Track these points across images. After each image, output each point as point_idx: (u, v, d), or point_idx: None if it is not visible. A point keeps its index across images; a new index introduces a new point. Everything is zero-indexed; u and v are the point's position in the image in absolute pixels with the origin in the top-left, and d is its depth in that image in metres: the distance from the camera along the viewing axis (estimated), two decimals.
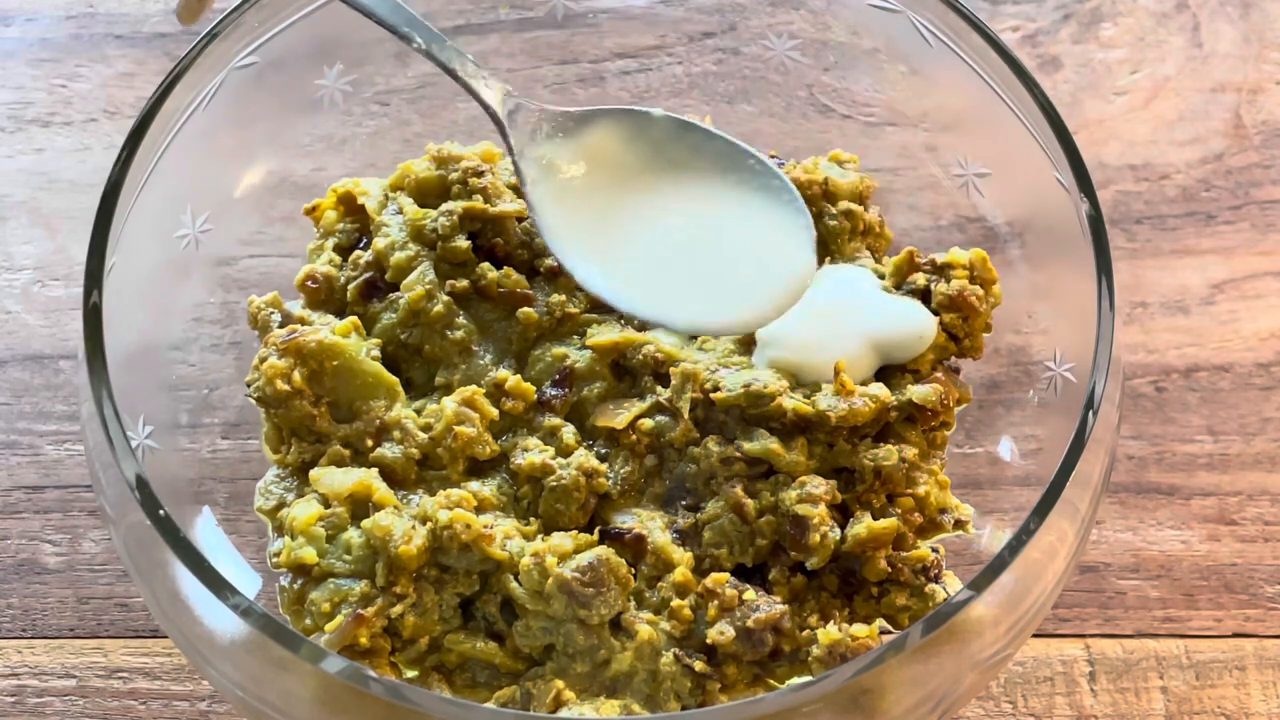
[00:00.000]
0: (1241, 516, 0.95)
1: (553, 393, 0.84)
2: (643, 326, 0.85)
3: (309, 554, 0.79)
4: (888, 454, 0.81)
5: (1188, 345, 1.00)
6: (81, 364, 0.75)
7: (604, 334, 0.85)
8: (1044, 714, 0.89)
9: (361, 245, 0.89)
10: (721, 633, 0.78)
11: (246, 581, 0.83)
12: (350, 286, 0.87)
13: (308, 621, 0.79)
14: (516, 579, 0.79)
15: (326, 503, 0.81)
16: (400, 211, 0.88)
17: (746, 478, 0.81)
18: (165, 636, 0.89)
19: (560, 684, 0.77)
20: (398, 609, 0.78)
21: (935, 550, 0.81)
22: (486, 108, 0.83)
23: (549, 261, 0.86)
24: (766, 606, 0.78)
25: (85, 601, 0.92)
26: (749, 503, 0.80)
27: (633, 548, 0.80)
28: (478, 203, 0.87)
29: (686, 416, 0.83)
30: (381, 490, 0.80)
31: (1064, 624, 0.92)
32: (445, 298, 0.85)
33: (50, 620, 0.92)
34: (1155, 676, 0.90)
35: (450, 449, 0.82)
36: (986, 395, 0.89)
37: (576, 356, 0.85)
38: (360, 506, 0.80)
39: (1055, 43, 1.12)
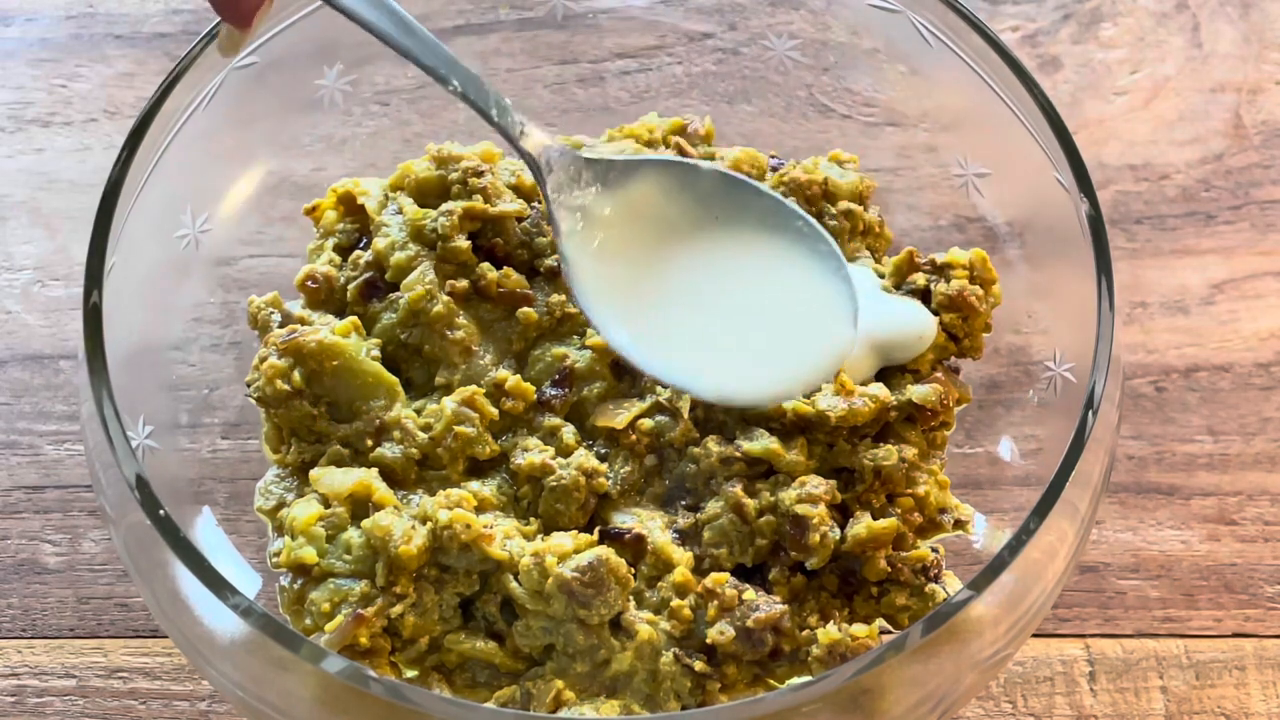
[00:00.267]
0: (1241, 516, 0.95)
1: (553, 393, 0.84)
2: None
3: (309, 554, 0.79)
4: (888, 454, 0.81)
5: (1188, 345, 1.01)
6: (81, 364, 0.75)
7: None
8: (1044, 714, 0.89)
9: (361, 245, 0.89)
10: (721, 633, 0.78)
11: (246, 581, 0.83)
12: (350, 286, 0.87)
13: (308, 621, 0.79)
14: (516, 579, 0.79)
15: (326, 503, 0.81)
16: (400, 211, 0.88)
17: (746, 478, 0.81)
18: (165, 636, 0.89)
19: (560, 684, 0.78)
20: (398, 609, 0.78)
21: (935, 550, 0.81)
22: (523, 154, 0.79)
23: (549, 261, 0.86)
24: (766, 606, 0.78)
25: (85, 601, 0.92)
26: (749, 503, 0.80)
27: (633, 548, 0.80)
28: (478, 203, 0.87)
29: (686, 416, 0.82)
30: (381, 490, 0.80)
31: (1064, 624, 0.92)
32: (445, 298, 0.85)
33: (50, 620, 0.92)
34: (1155, 676, 0.90)
35: (450, 449, 0.82)
36: (986, 395, 0.89)
37: (576, 356, 0.85)
38: (360, 506, 0.80)
39: (1055, 43, 1.12)
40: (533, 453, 0.82)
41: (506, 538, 0.79)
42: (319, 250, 0.89)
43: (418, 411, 0.83)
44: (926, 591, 0.80)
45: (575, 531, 0.80)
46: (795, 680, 0.79)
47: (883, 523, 0.80)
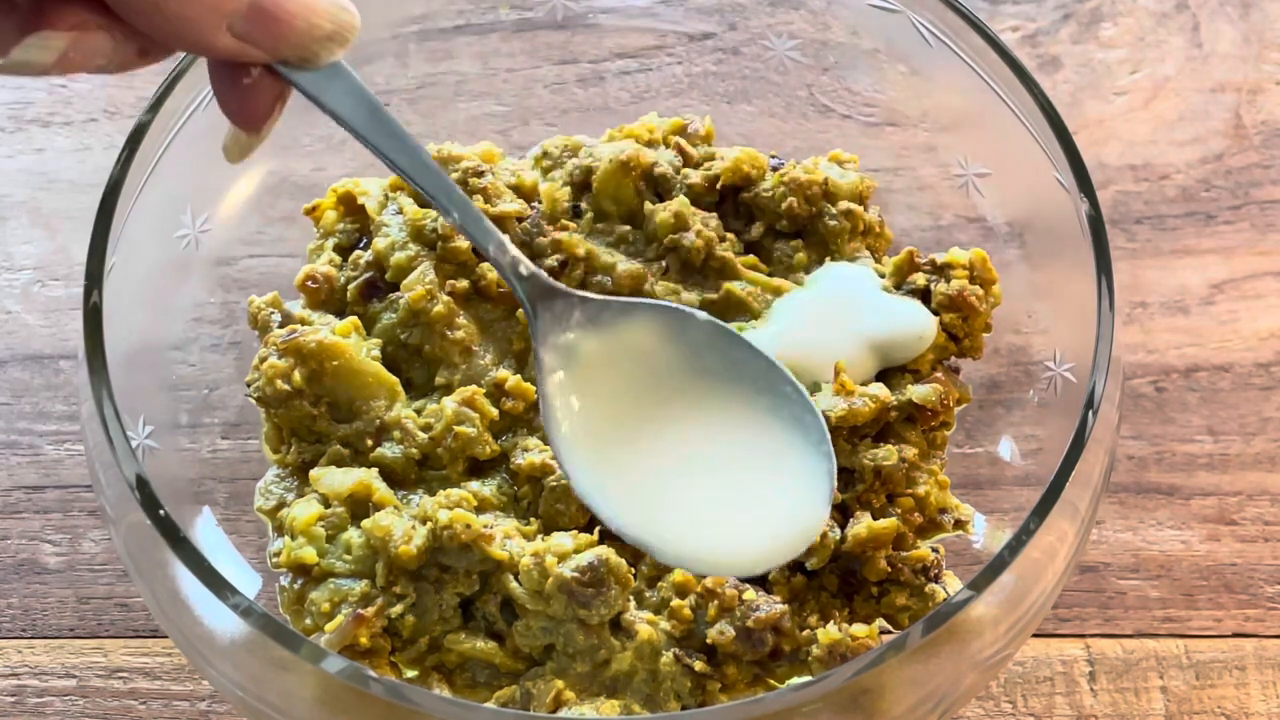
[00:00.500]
0: (1241, 516, 0.95)
1: None
2: None
3: (309, 554, 0.79)
4: (888, 454, 0.81)
5: (1188, 345, 1.01)
6: (81, 364, 0.75)
7: None
8: (1044, 714, 0.89)
9: (361, 245, 0.89)
10: (721, 633, 0.78)
11: (246, 581, 0.83)
12: (350, 286, 0.87)
13: (308, 621, 0.79)
14: (516, 579, 0.79)
15: (326, 503, 0.81)
16: (400, 211, 0.88)
17: None
18: (165, 636, 0.89)
19: (560, 684, 0.78)
20: (398, 609, 0.78)
21: (935, 550, 0.81)
22: (517, 290, 0.76)
23: (549, 262, 0.86)
24: (766, 606, 0.78)
25: (85, 601, 0.92)
26: None
27: (633, 548, 0.80)
28: (478, 203, 0.87)
29: None
30: (381, 490, 0.80)
31: (1064, 624, 0.92)
32: (445, 298, 0.85)
33: (50, 620, 0.92)
34: (1155, 676, 0.90)
35: (450, 449, 0.82)
36: (986, 395, 0.89)
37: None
38: (360, 506, 0.80)
39: (1055, 43, 1.12)
40: (533, 453, 0.82)
41: (506, 538, 0.79)
42: (319, 250, 0.89)
43: (418, 411, 0.83)
44: (926, 591, 0.80)
45: (575, 531, 0.80)
46: (795, 680, 0.79)
47: (883, 523, 0.80)
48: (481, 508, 0.81)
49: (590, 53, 1.00)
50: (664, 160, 0.89)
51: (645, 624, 0.78)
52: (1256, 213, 1.05)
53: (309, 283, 0.87)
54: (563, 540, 0.79)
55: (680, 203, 0.87)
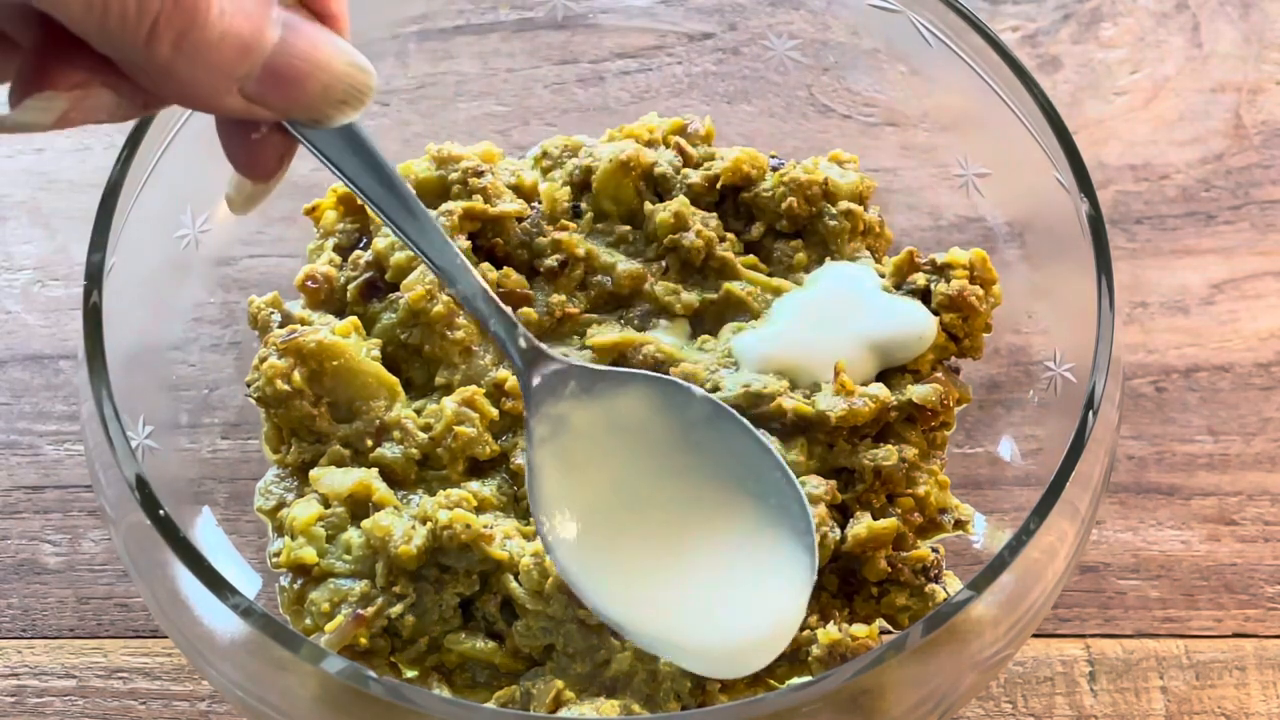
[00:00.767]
0: (1241, 516, 0.95)
1: None
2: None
3: (309, 554, 0.79)
4: (888, 454, 0.81)
5: (1188, 345, 1.00)
6: (81, 364, 0.75)
7: (604, 334, 0.85)
8: (1044, 714, 0.89)
9: (361, 245, 0.89)
10: None
11: (246, 581, 0.83)
12: (350, 286, 0.87)
13: (308, 621, 0.79)
14: (516, 579, 0.79)
15: (326, 503, 0.81)
16: None
17: None
18: (165, 636, 0.89)
19: (560, 684, 0.77)
20: (397, 609, 0.78)
21: (935, 550, 0.81)
22: (514, 362, 0.76)
23: (549, 262, 0.86)
24: None
25: (85, 601, 0.92)
26: None
27: None
28: (478, 203, 0.87)
29: None
30: (381, 490, 0.80)
31: (1064, 624, 0.92)
32: (445, 298, 0.85)
33: (50, 620, 0.92)
34: (1155, 676, 0.90)
35: (450, 449, 0.82)
36: (986, 395, 0.89)
37: (576, 357, 0.85)
38: (360, 506, 0.80)
39: (1055, 43, 1.12)
40: None
41: (506, 538, 0.79)
42: (319, 250, 0.89)
43: (418, 411, 0.83)
44: (926, 591, 0.80)
45: None
46: (795, 680, 0.79)
47: (883, 523, 0.80)
48: (481, 508, 0.81)
49: (590, 53, 1.00)
50: (664, 160, 0.89)
51: None
52: (1256, 213, 1.05)
53: (309, 283, 0.87)
54: None
55: (680, 203, 0.87)
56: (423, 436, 0.82)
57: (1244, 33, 1.12)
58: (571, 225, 0.88)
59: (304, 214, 0.91)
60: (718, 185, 0.89)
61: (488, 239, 0.87)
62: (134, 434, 0.80)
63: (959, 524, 0.83)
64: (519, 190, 0.89)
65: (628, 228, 0.89)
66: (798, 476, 0.81)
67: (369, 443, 0.82)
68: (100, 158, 1.07)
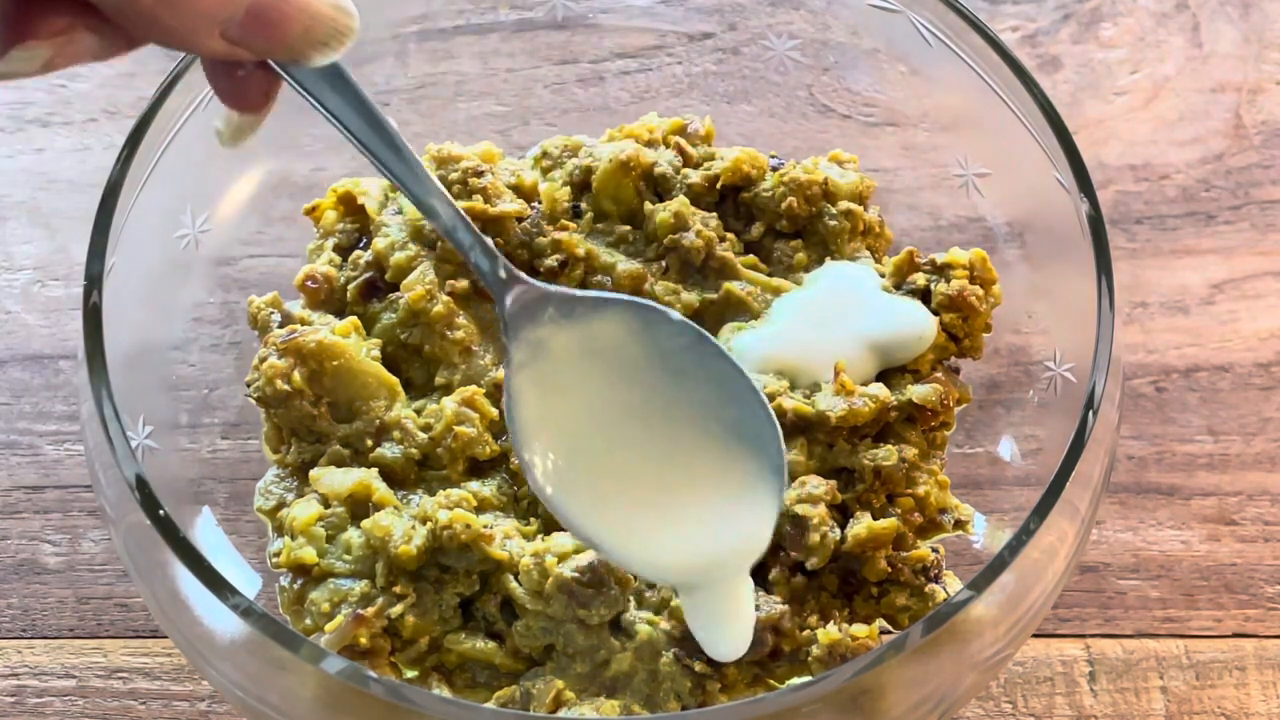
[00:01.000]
0: (1241, 516, 0.95)
1: None
2: None
3: (309, 554, 0.79)
4: (888, 454, 0.81)
5: (1188, 345, 1.01)
6: (81, 364, 0.75)
7: None
8: (1044, 714, 0.89)
9: (361, 245, 0.89)
10: None
11: (246, 581, 0.83)
12: (350, 286, 0.87)
13: (308, 621, 0.79)
14: (516, 579, 0.79)
15: (326, 503, 0.81)
16: (400, 211, 0.88)
17: None
18: (165, 636, 0.89)
19: (560, 684, 0.77)
20: (398, 609, 0.78)
21: (935, 550, 0.81)
22: (492, 291, 0.76)
23: (549, 262, 0.86)
24: (766, 606, 0.78)
25: (85, 601, 0.92)
26: None
27: None
28: (478, 203, 0.87)
29: None
30: (381, 490, 0.80)
31: (1064, 624, 0.92)
32: (445, 298, 0.85)
33: (50, 620, 0.92)
34: (1155, 676, 0.90)
35: (450, 449, 0.82)
36: (986, 395, 0.89)
37: None
38: (360, 506, 0.80)
39: (1055, 43, 1.12)
40: None
41: (506, 538, 0.79)
42: (319, 250, 0.89)
43: (418, 411, 0.83)
44: (926, 591, 0.80)
45: None
46: (795, 680, 0.79)
47: (883, 523, 0.80)
48: (481, 508, 0.81)
49: (590, 53, 1.00)
50: (664, 160, 0.89)
51: (645, 624, 0.78)
52: (1256, 213, 1.05)
53: (309, 283, 0.87)
54: (563, 540, 0.79)
55: (680, 203, 0.87)
56: (423, 436, 0.82)
57: (1244, 33, 1.12)
58: (571, 225, 0.88)
59: (304, 214, 0.91)
60: (718, 185, 0.89)
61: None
62: (134, 434, 0.80)
63: (959, 524, 0.83)
64: (519, 190, 0.89)
65: (628, 228, 0.89)
66: (798, 476, 0.81)
67: (369, 443, 0.82)
68: (100, 158, 1.07)
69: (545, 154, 0.92)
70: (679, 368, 0.76)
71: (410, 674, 0.80)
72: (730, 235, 0.89)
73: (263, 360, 0.82)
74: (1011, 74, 0.83)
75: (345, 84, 0.68)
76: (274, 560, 0.81)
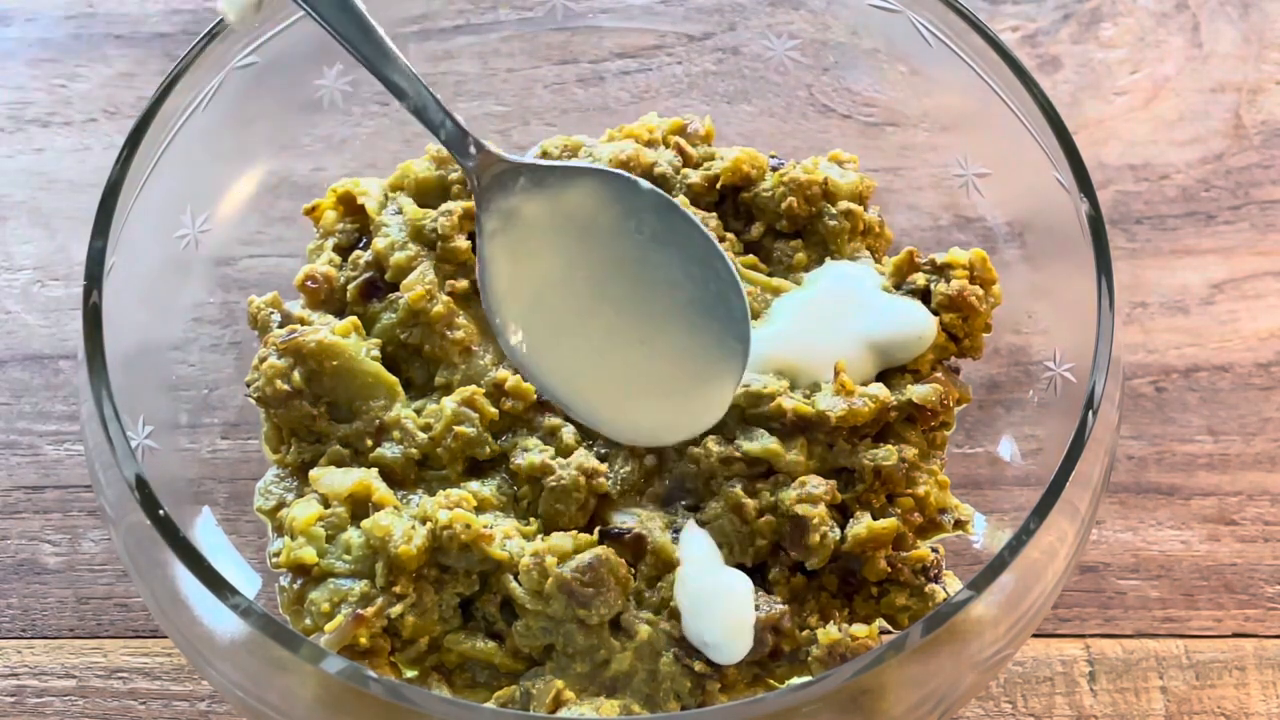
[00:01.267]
0: (1241, 516, 0.95)
1: None
2: None
3: (309, 554, 0.79)
4: (888, 454, 0.81)
5: (1188, 345, 1.01)
6: (81, 364, 0.75)
7: None
8: (1044, 714, 0.89)
9: (361, 245, 0.89)
10: None
11: (246, 581, 0.83)
12: (350, 286, 0.87)
13: (307, 621, 0.79)
14: (516, 579, 0.79)
15: (326, 503, 0.81)
16: (400, 211, 0.88)
17: (746, 478, 0.81)
18: (165, 636, 0.89)
19: (560, 684, 0.78)
20: (398, 609, 0.78)
21: (935, 550, 0.81)
22: (462, 165, 0.78)
23: None
24: (766, 606, 0.78)
25: (85, 601, 0.92)
26: (749, 503, 0.80)
27: (632, 548, 0.80)
28: None
29: None
30: (381, 490, 0.80)
31: (1064, 624, 0.92)
32: (445, 298, 0.85)
33: (50, 620, 0.92)
34: (1155, 676, 0.90)
35: (450, 449, 0.82)
36: (986, 395, 0.89)
37: None
38: (360, 506, 0.80)
39: (1055, 43, 1.12)
40: (532, 453, 0.82)
41: (506, 538, 0.79)
42: (319, 250, 0.89)
43: (418, 411, 0.83)
44: (926, 591, 0.80)
45: (575, 531, 0.80)
46: (795, 680, 0.79)
47: (883, 523, 0.80)
48: (481, 508, 0.81)
49: (590, 53, 1.01)
50: (664, 160, 0.89)
51: (645, 624, 0.78)
52: (1256, 213, 1.05)
53: (309, 283, 0.87)
54: (562, 540, 0.79)
55: (680, 203, 0.87)
56: (422, 436, 0.82)
57: (1244, 33, 1.12)
58: None
59: (304, 214, 0.91)
60: (718, 185, 0.89)
61: None
62: (134, 434, 0.80)
63: (959, 524, 0.83)
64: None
65: None
66: (797, 477, 0.81)
67: (369, 443, 0.82)
68: (100, 158, 1.07)
69: (545, 154, 0.92)
70: (649, 236, 0.78)
71: (410, 674, 0.80)
72: (730, 235, 0.89)
73: (263, 360, 0.82)
74: (1011, 74, 0.83)
75: None
76: (274, 560, 0.81)
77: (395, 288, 0.86)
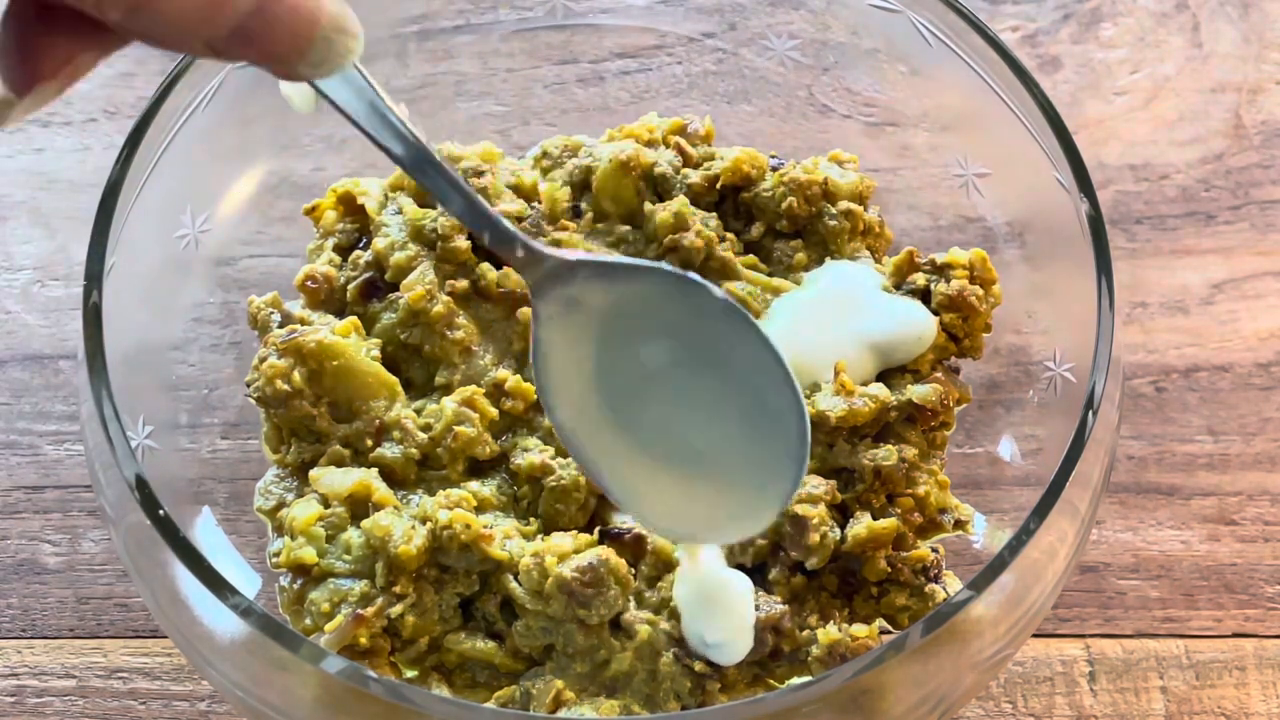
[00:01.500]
0: (1241, 516, 0.95)
1: None
2: None
3: (309, 554, 0.79)
4: (888, 454, 0.81)
5: (1188, 345, 1.01)
6: (81, 364, 0.75)
7: None
8: (1044, 714, 0.89)
9: (361, 245, 0.89)
10: None
11: (246, 581, 0.83)
12: (350, 286, 0.87)
13: (308, 621, 0.79)
14: (516, 579, 0.79)
15: (326, 503, 0.81)
16: (400, 211, 0.88)
17: None
18: (165, 636, 0.89)
19: (560, 684, 0.78)
20: (398, 609, 0.78)
21: (935, 550, 0.81)
22: (514, 264, 0.73)
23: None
24: (766, 606, 0.78)
25: (85, 601, 0.92)
26: None
27: (632, 548, 0.80)
28: None
29: None
30: (381, 490, 0.80)
31: (1064, 624, 0.92)
32: (445, 298, 0.85)
33: (50, 620, 0.92)
34: (1155, 676, 0.90)
35: (450, 449, 0.82)
36: (986, 395, 0.89)
37: None
38: (360, 506, 0.80)
39: (1055, 43, 1.12)
40: (533, 453, 0.82)
41: (506, 538, 0.79)
42: (319, 250, 0.89)
43: (418, 411, 0.83)
44: (926, 591, 0.80)
45: (575, 531, 0.80)
46: (795, 680, 0.79)
47: (883, 523, 0.80)
48: (481, 508, 0.81)
49: (590, 53, 1.00)
50: (664, 160, 0.89)
51: (645, 624, 0.78)
52: (1256, 213, 1.05)
53: (309, 283, 0.87)
54: (562, 540, 0.79)
55: (680, 203, 0.87)
56: (423, 436, 0.82)
57: (1244, 33, 1.12)
58: (571, 225, 0.88)
59: (304, 214, 0.91)
60: (718, 185, 0.89)
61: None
62: (134, 434, 0.80)
63: (959, 524, 0.83)
64: (519, 190, 0.89)
65: (628, 228, 0.89)
66: None
67: (369, 443, 0.82)
68: (100, 158, 1.07)
69: (545, 154, 0.92)
70: (714, 340, 0.74)
71: (410, 674, 0.80)
72: (730, 235, 0.89)
73: (263, 360, 0.82)
74: (1011, 74, 0.83)
75: (357, 81, 0.64)
76: (274, 560, 0.81)
77: (395, 288, 0.86)
